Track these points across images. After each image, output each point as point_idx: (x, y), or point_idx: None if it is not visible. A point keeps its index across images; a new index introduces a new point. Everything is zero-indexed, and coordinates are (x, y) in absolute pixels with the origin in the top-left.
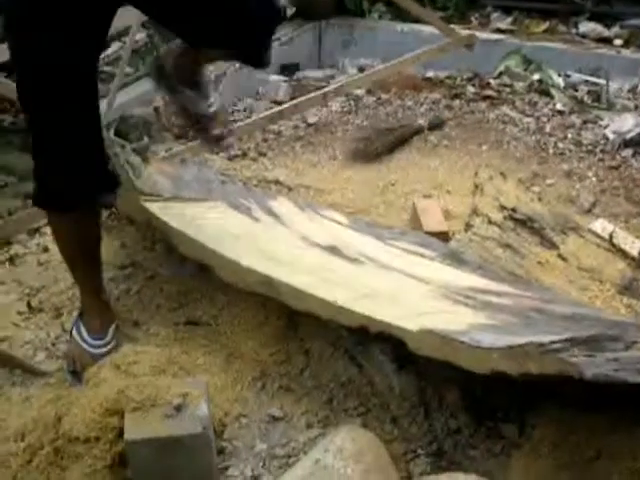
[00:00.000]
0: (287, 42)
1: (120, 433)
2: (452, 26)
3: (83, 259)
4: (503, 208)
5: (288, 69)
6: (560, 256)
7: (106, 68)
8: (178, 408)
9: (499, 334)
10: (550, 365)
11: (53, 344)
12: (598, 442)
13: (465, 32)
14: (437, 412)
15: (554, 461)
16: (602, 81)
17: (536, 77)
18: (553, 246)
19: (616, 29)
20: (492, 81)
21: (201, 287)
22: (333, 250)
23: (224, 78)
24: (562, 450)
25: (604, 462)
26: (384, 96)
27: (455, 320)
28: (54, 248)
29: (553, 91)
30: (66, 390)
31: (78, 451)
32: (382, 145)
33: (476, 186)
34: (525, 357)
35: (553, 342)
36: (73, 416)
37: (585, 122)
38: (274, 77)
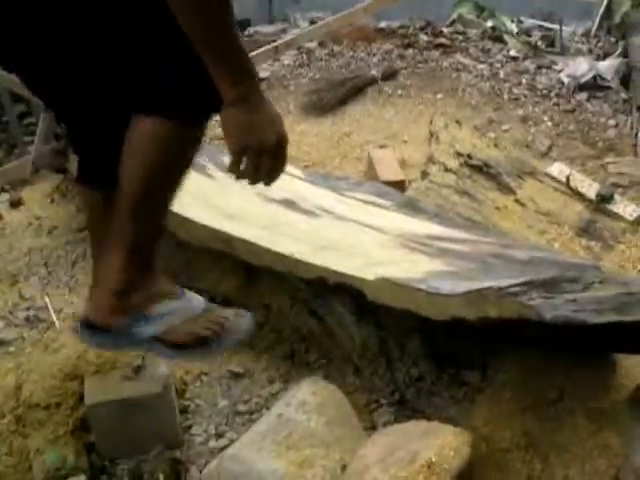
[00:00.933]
0: None
1: (81, 397)
2: None
3: None
4: (459, 155)
5: (239, 25)
6: (517, 201)
7: None
8: (137, 369)
9: (457, 280)
10: (509, 309)
11: (10, 312)
12: (560, 383)
13: None
14: (399, 361)
15: (517, 404)
16: (555, 26)
17: (489, 24)
18: (510, 191)
19: None
20: (445, 29)
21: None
22: (289, 204)
23: None
24: (524, 393)
25: (567, 402)
26: (336, 48)
27: (412, 268)
28: (8, 216)
29: (506, 37)
30: (25, 357)
31: (40, 418)
32: (335, 97)
33: (431, 134)
34: (484, 302)
35: (511, 286)
36: (33, 383)
37: (539, 67)
38: None
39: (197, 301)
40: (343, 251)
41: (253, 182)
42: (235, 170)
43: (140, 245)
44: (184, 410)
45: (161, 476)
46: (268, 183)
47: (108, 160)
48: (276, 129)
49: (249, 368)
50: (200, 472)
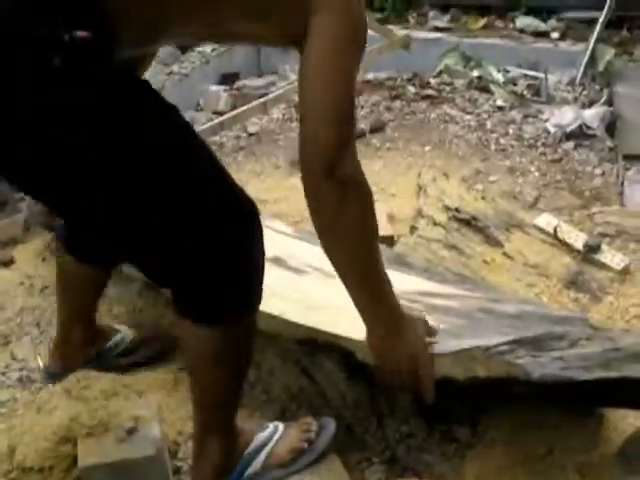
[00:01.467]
0: (226, 51)
1: (74, 460)
2: (390, 26)
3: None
4: (447, 209)
5: (228, 78)
6: (505, 254)
7: None
8: (130, 431)
9: (446, 338)
10: (497, 368)
11: (3, 373)
12: (549, 438)
13: (402, 32)
14: (389, 418)
15: (507, 460)
16: (541, 75)
17: (475, 74)
18: (498, 244)
19: (553, 22)
20: (432, 80)
21: (148, 307)
22: (277, 261)
23: (163, 90)
24: (514, 448)
25: (556, 457)
26: None
27: None
28: None
29: (493, 87)
30: (18, 419)
31: None
32: None
33: (420, 187)
34: (472, 361)
35: (499, 344)
36: (26, 446)
37: (526, 116)
38: (214, 87)
39: (274, 423)
40: (332, 310)
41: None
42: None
43: (233, 418)
44: (177, 471)
45: None
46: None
47: (98, 245)
48: (412, 351)
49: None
50: None
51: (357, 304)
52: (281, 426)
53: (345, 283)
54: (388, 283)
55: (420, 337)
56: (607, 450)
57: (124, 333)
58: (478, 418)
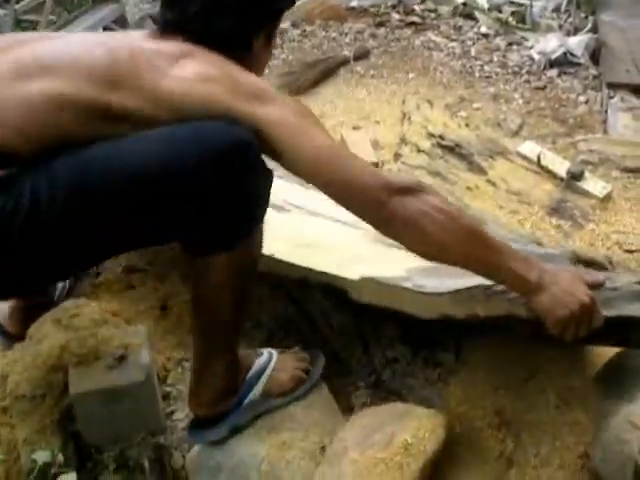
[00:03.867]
0: None
1: (65, 388)
2: None
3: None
4: (431, 136)
5: None
6: (489, 181)
7: (28, 16)
8: (120, 358)
9: (441, 278)
10: (497, 307)
11: None
12: (531, 363)
13: None
14: (375, 344)
15: (490, 384)
16: (526, 1)
17: (460, 0)
18: (481, 171)
19: None
20: (416, 7)
21: None
22: None
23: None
24: (497, 373)
25: (538, 381)
26: (308, 28)
27: (393, 265)
28: None
29: (478, 14)
30: (9, 349)
31: (26, 409)
32: (308, 79)
33: (404, 115)
34: (472, 300)
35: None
36: (18, 375)
37: (510, 44)
38: None
39: (268, 350)
40: (320, 248)
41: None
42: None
43: (237, 342)
44: (166, 396)
45: (146, 462)
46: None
47: None
48: (580, 289)
49: None
50: (184, 457)
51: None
52: (275, 353)
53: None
54: (510, 252)
55: (578, 285)
56: (587, 375)
57: (61, 285)
58: (461, 344)
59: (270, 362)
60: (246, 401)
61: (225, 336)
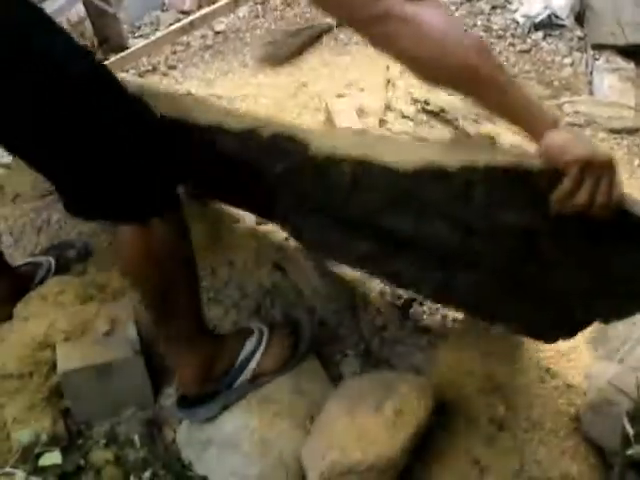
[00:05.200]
0: None
1: (53, 365)
2: None
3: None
4: (416, 101)
5: None
6: None
7: None
8: (107, 334)
9: None
10: (504, 155)
11: None
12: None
13: None
14: (363, 311)
15: (480, 349)
16: None
17: None
18: (467, 136)
19: None
20: None
21: None
22: None
23: None
24: (487, 337)
25: (529, 344)
26: None
27: None
28: None
29: None
30: None
31: (15, 387)
32: (292, 47)
33: (388, 81)
34: (473, 148)
35: None
36: (5, 353)
37: (494, 7)
38: None
39: (258, 327)
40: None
41: (588, 208)
42: (568, 197)
43: (191, 325)
44: (155, 371)
45: (136, 437)
46: (603, 209)
47: None
48: (593, 151)
49: (217, 325)
50: (174, 431)
51: (503, 113)
52: (265, 330)
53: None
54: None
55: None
56: (578, 337)
57: (45, 265)
58: (449, 309)
59: (260, 345)
60: (237, 382)
61: (175, 324)
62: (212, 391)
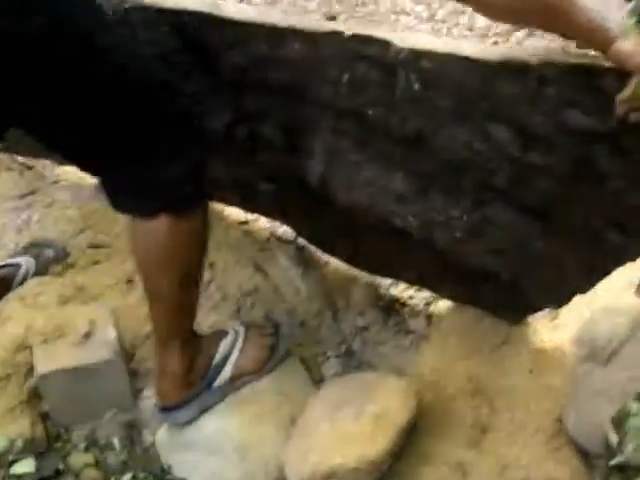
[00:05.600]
0: None
1: (32, 368)
2: None
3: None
4: None
5: None
6: None
7: None
8: (86, 336)
9: None
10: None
11: None
12: (504, 329)
13: None
14: (344, 312)
15: (463, 349)
16: None
17: None
18: None
19: None
20: None
21: (100, 209)
22: None
23: None
24: (470, 338)
25: (511, 345)
26: None
27: None
28: None
29: None
30: None
31: None
32: None
33: None
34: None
35: None
36: None
37: None
38: None
39: (234, 328)
40: None
41: None
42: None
43: (190, 325)
44: (134, 373)
45: (115, 440)
46: None
47: None
48: None
49: (196, 328)
50: (153, 435)
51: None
52: (241, 330)
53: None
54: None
55: None
56: (561, 337)
57: (25, 266)
58: (432, 309)
59: (236, 344)
60: (215, 384)
61: (175, 320)
62: (192, 394)
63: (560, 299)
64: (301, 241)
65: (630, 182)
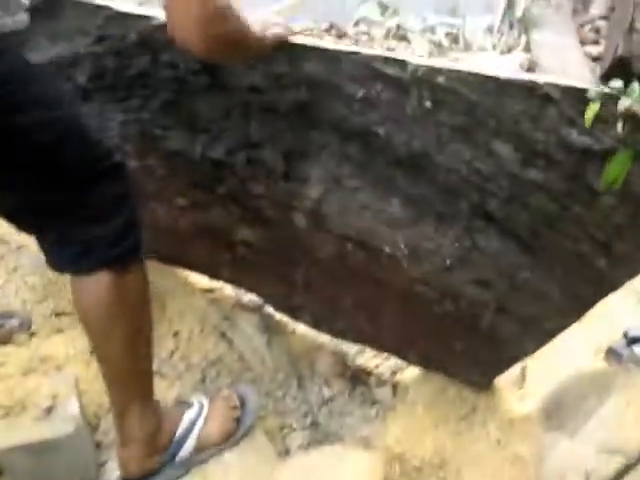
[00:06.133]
0: None
1: None
2: None
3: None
4: None
5: None
6: None
7: None
8: (49, 410)
9: None
10: None
11: None
12: (471, 399)
13: None
14: (310, 381)
15: (429, 420)
16: (459, 21)
17: (393, 23)
18: None
19: None
20: (349, 30)
21: (63, 277)
22: None
23: None
24: (436, 409)
25: (478, 415)
26: None
27: None
28: None
29: (410, 36)
30: None
31: None
32: None
33: None
34: None
35: None
36: None
37: None
38: None
39: (198, 400)
40: None
41: None
42: None
43: (148, 388)
44: (99, 445)
45: None
46: None
47: None
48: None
49: (161, 398)
50: None
51: None
52: (205, 402)
53: None
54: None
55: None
56: (528, 407)
57: None
58: (398, 378)
59: (200, 416)
60: (177, 458)
61: (132, 386)
62: (155, 467)
63: (540, 337)
64: (267, 309)
65: (620, 199)
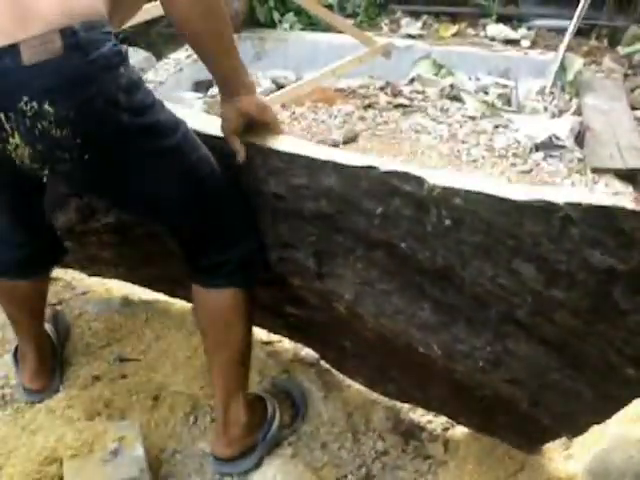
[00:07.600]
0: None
1: None
2: (365, 33)
3: None
4: None
5: (201, 85)
6: None
7: None
8: (115, 452)
9: None
10: None
11: None
12: (519, 457)
13: (382, 40)
14: (364, 435)
15: (479, 476)
16: (512, 83)
17: (447, 82)
18: None
19: (523, 30)
20: (404, 88)
21: (127, 323)
22: None
23: None
24: (486, 465)
25: (527, 473)
26: (298, 110)
27: None
28: None
29: (464, 95)
30: (2, 442)
31: None
32: None
33: None
34: None
35: None
36: (12, 467)
37: (497, 127)
38: (188, 94)
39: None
40: None
41: None
42: None
43: (247, 380)
44: None
45: None
46: None
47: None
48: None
49: None
50: None
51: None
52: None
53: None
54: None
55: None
56: (575, 468)
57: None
58: (450, 435)
59: (275, 404)
60: (269, 435)
61: (240, 373)
62: (254, 444)
63: (576, 428)
64: (323, 364)
65: None
